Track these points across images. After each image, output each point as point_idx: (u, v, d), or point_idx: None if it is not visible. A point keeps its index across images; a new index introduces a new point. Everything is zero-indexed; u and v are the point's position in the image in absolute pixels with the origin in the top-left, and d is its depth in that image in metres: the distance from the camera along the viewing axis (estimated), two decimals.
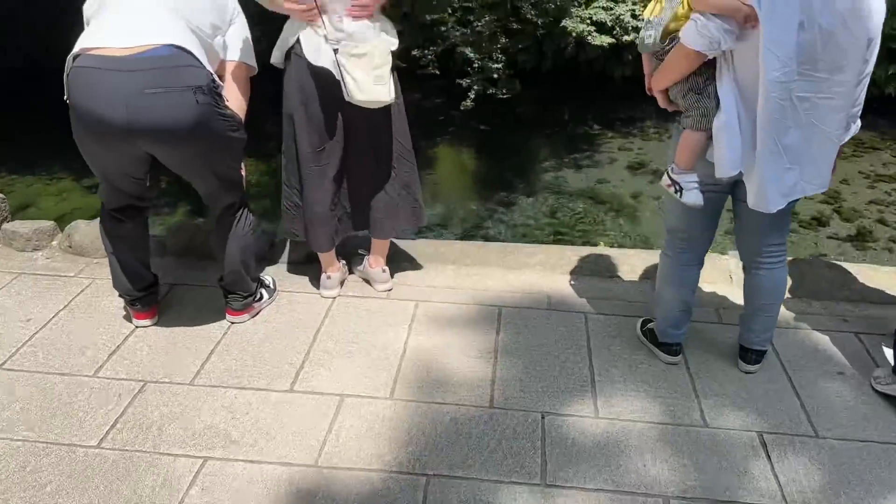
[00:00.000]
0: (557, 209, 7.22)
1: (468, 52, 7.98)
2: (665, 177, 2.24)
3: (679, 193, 2.18)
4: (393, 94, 2.56)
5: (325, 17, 2.48)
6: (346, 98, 2.52)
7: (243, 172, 2.70)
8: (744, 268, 2.48)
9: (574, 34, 8.56)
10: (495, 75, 8.08)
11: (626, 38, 8.38)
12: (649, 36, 2.17)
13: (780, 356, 2.69)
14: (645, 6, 2.31)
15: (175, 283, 3.16)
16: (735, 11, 1.89)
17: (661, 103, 2.25)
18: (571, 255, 3.39)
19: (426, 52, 8.49)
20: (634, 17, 8.42)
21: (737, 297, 3.09)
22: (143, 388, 2.47)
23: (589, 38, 8.27)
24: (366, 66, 2.45)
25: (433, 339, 2.76)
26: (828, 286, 3.10)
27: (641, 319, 2.83)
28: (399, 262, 3.34)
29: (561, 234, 6.86)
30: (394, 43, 2.59)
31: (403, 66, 9.61)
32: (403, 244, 3.41)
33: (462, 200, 7.65)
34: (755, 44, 1.90)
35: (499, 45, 8.23)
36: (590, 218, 7.10)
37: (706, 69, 2.07)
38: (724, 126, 2.02)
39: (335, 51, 2.45)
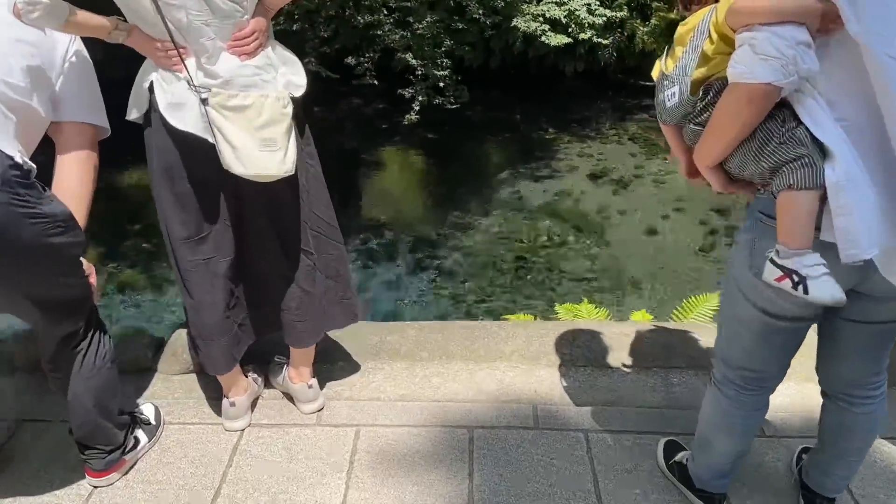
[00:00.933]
0: (517, 231, 6.48)
1: (409, 58, 7.15)
2: (770, 269, 1.36)
3: (801, 288, 1.31)
4: (291, 163, 1.75)
5: (188, 60, 1.65)
6: (224, 167, 1.71)
7: (92, 280, 1.85)
8: (824, 394, 1.75)
9: (526, 33, 7.83)
10: (441, 83, 7.27)
11: (581, 35, 7.69)
12: (672, 95, 1.43)
13: (852, 491, 1.99)
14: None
15: (22, 417, 2.28)
16: (807, 13, 1.18)
17: (719, 185, 1.50)
18: (554, 333, 2.64)
19: (362, 58, 7.62)
20: (590, 12, 7.74)
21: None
22: None
23: (543, 37, 7.55)
24: (247, 123, 1.64)
25: (382, 496, 1.97)
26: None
27: (663, 443, 2.10)
28: (333, 360, 2.54)
29: (523, 259, 6.14)
30: (298, 85, 1.77)
31: (336, 77, 8.68)
32: (337, 332, 2.60)
33: (412, 224, 6.85)
34: (847, 59, 1.22)
35: (443, 49, 7.43)
36: (554, 239, 6.38)
37: (777, 110, 1.32)
38: (846, 179, 1.26)
39: (203, 101, 1.62)
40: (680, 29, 1.48)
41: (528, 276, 5.85)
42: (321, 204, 2.06)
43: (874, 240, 1.27)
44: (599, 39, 8.06)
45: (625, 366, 2.53)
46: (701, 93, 1.39)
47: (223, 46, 1.66)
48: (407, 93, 7.54)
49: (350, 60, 7.66)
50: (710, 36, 1.34)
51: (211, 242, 1.92)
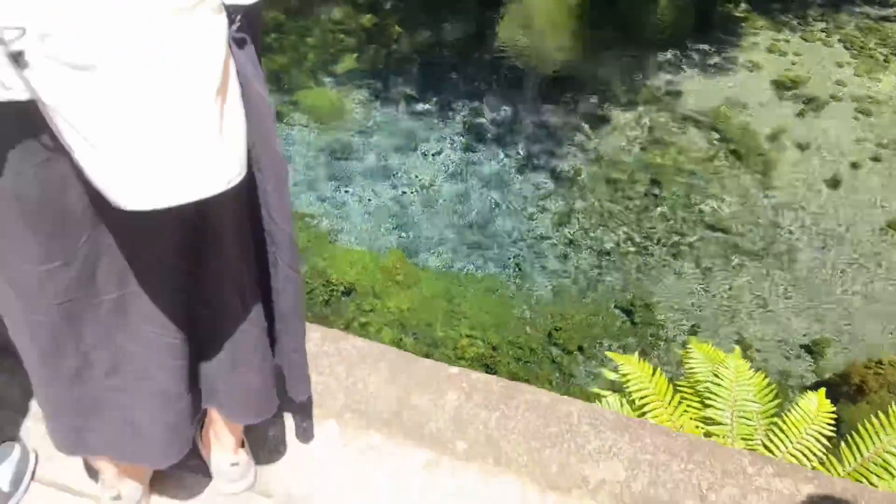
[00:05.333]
0: (659, 140, 5.12)
1: None
2: None
3: None
4: (236, 165, 0.85)
5: None
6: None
7: None
8: None
9: None
10: None
11: None
12: None
13: None
14: None
15: None
16: None
17: None
18: None
19: None
20: None
21: None
22: None
23: None
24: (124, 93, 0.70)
25: None
26: None
27: None
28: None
29: (656, 183, 4.87)
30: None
31: None
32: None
33: (533, 99, 5.55)
34: None
35: None
36: (701, 163, 5.00)
37: None
38: None
39: (15, 56, 0.68)
40: None
41: (657, 210, 4.67)
42: (279, 219, 1.11)
43: None
44: None
45: None
46: None
47: None
48: None
49: None
50: None
51: (75, 277, 1.00)
